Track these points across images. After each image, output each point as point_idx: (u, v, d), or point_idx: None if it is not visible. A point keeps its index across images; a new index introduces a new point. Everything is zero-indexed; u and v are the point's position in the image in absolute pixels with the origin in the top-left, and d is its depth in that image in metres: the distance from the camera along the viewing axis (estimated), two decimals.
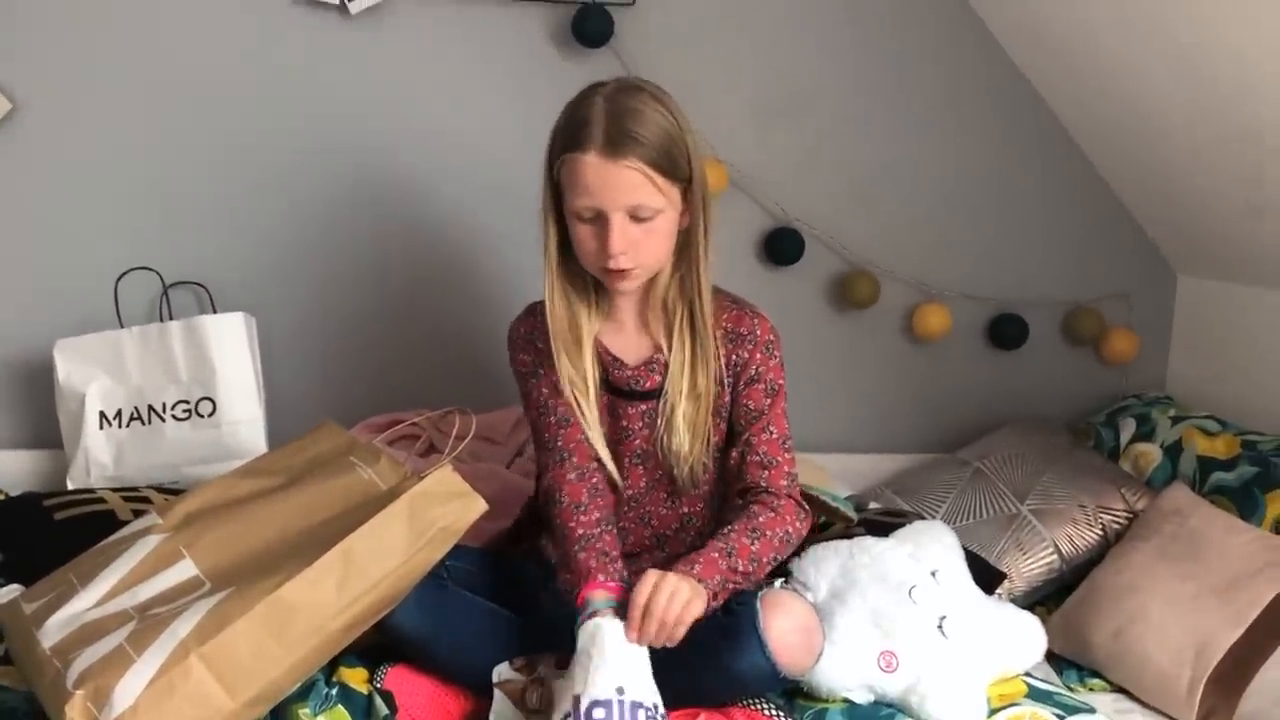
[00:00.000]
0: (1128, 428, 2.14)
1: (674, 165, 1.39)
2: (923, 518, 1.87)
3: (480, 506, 1.37)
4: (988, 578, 1.73)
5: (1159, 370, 2.42)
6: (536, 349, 1.52)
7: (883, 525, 1.78)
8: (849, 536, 1.72)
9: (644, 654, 1.30)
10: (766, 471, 1.49)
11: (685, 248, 1.47)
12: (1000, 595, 1.80)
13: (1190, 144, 2.02)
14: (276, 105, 2.04)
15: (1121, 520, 1.90)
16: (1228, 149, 1.93)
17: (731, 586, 1.38)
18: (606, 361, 1.52)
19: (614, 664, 1.27)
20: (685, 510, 1.55)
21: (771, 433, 1.50)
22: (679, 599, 1.29)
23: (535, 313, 1.54)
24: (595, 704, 1.24)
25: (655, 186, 1.38)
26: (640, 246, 1.40)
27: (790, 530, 1.48)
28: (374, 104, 2.06)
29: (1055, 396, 2.38)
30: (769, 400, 1.50)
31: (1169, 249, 2.38)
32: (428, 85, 2.08)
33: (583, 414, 1.50)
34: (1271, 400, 2.07)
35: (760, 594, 1.41)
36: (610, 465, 1.51)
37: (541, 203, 1.46)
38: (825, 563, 1.61)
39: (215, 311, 1.97)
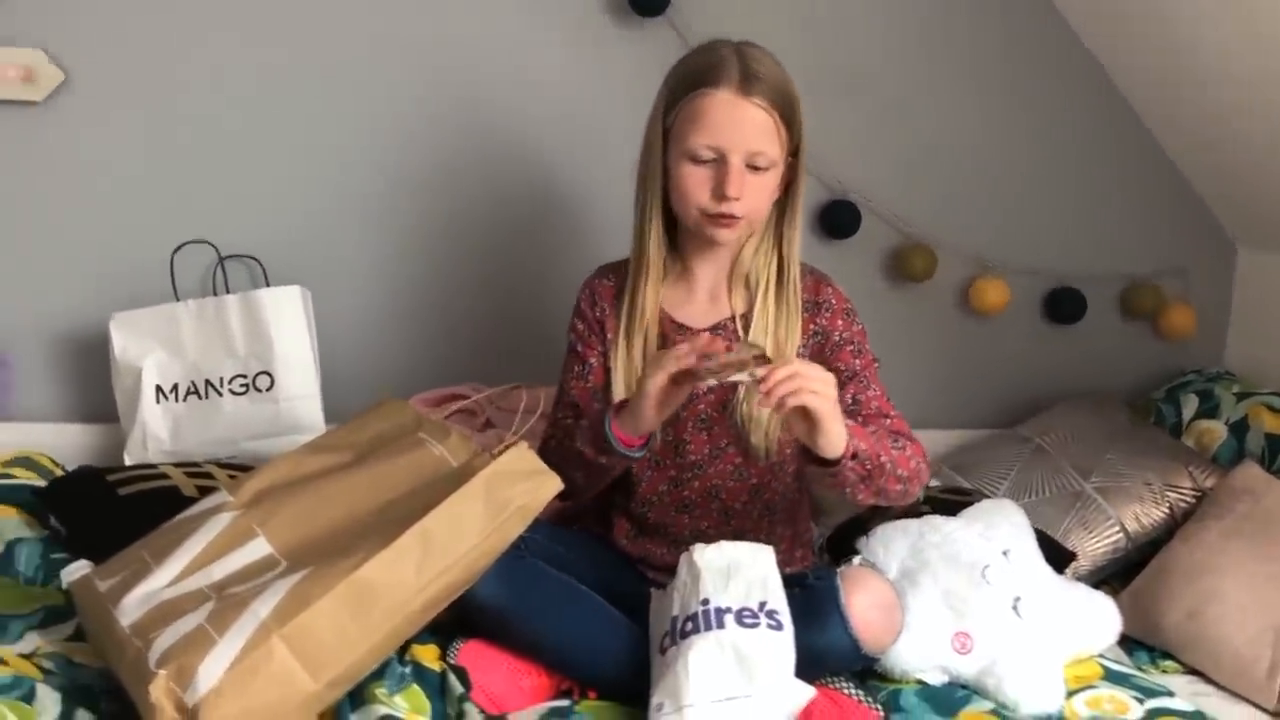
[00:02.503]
0: (1190, 404, 2.11)
1: (792, 122, 1.43)
2: (988, 496, 1.86)
3: (555, 485, 1.35)
4: (1057, 557, 1.71)
5: (1217, 345, 2.38)
6: (598, 318, 1.53)
7: (949, 504, 1.76)
8: (915, 515, 1.71)
9: (735, 557, 1.33)
10: (886, 419, 1.48)
11: (781, 215, 1.48)
12: (1067, 575, 1.77)
13: (1254, 112, 1.97)
14: (331, 76, 2.01)
15: (1189, 499, 1.88)
16: None
17: (866, 463, 1.35)
18: (669, 328, 1.50)
19: (704, 577, 1.31)
20: (755, 481, 1.53)
21: (874, 390, 1.50)
22: (825, 375, 1.28)
23: (608, 274, 1.56)
24: (687, 618, 1.28)
25: (776, 137, 1.41)
26: (751, 197, 1.42)
27: (921, 467, 1.46)
28: (427, 76, 2.03)
29: (1112, 372, 2.35)
30: (859, 361, 1.50)
31: (1229, 221, 2.33)
32: (481, 56, 2.05)
33: (628, 375, 1.50)
34: None
35: (840, 570, 1.39)
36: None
37: (644, 146, 1.47)
38: (894, 543, 1.59)
39: (269, 285, 1.95)
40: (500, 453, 1.35)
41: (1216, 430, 2.02)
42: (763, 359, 1.28)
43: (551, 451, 1.50)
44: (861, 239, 2.18)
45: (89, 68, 1.93)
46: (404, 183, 2.06)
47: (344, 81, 2.01)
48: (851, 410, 1.46)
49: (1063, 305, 2.27)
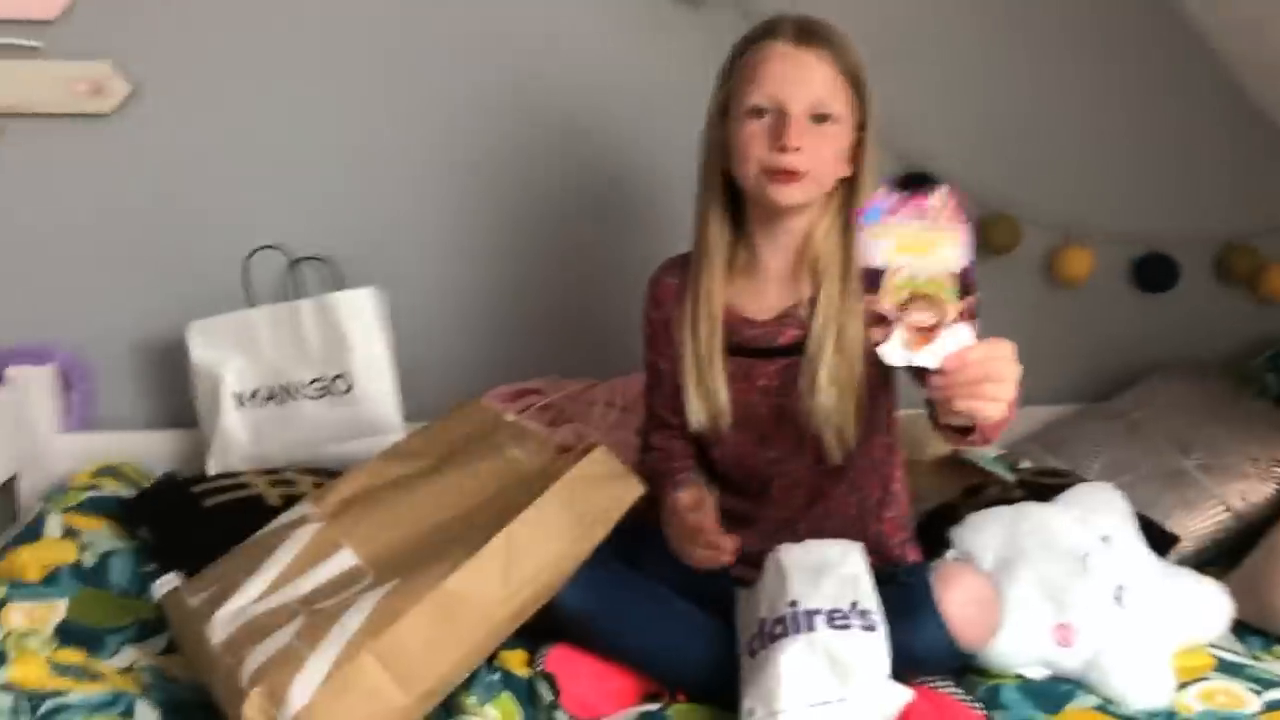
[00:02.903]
0: None
1: (858, 87, 1.40)
2: (1083, 478, 1.79)
3: (637, 490, 1.34)
4: (1159, 541, 1.65)
5: None
6: (665, 313, 1.52)
7: (1042, 487, 1.71)
8: (1007, 501, 1.65)
9: (824, 555, 1.31)
10: None
11: (850, 195, 1.43)
12: (1171, 559, 1.71)
13: None
14: (397, 74, 1.99)
15: None
16: None
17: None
18: (734, 323, 1.47)
19: (792, 577, 1.28)
20: (838, 476, 1.48)
21: None
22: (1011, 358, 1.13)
23: (671, 271, 1.54)
24: (775, 620, 1.25)
25: (838, 91, 1.37)
26: (814, 152, 1.37)
27: None
28: (492, 69, 2.01)
29: (1207, 340, 2.26)
30: None
31: None
32: (546, 48, 2.01)
33: (699, 373, 1.46)
34: None
35: (932, 567, 1.35)
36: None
37: (706, 125, 1.45)
38: (987, 531, 1.54)
39: (342, 286, 1.95)
40: (579, 455, 1.34)
41: None
42: (967, 315, 1.12)
43: (645, 469, 1.50)
44: None
45: (156, 78, 1.93)
46: (472, 178, 2.04)
47: (410, 79, 2.00)
48: None
49: (1153, 272, 2.18)
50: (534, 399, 2.00)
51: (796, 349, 1.43)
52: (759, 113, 1.37)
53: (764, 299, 1.47)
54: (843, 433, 1.42)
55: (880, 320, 1.12)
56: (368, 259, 2.01)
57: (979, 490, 1.76)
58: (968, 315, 1.11)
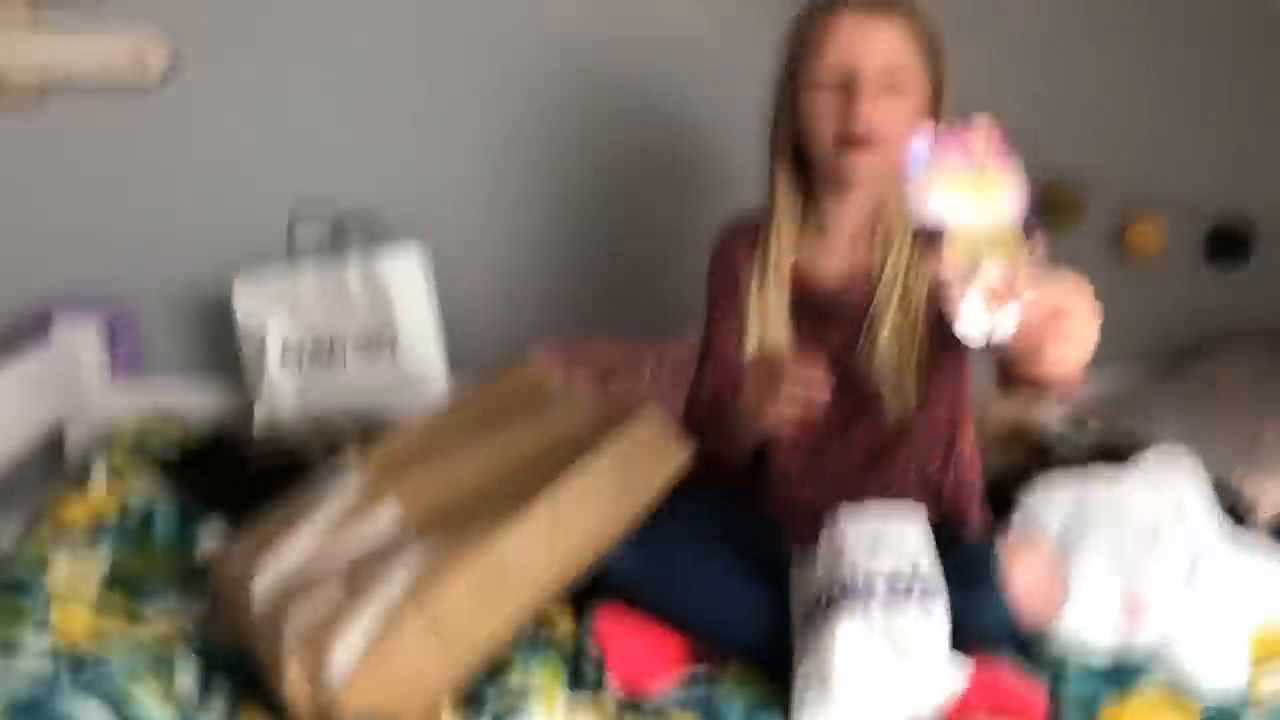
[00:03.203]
0: None
1: (933, 53, 1.35)
2: (1155, 440, 1.71)
3: (685, 457, 1.29)
4: (1236, 509, 1.57)
5: None
6: (733, 274, 1.46)
7: (1115, 450, 1.64)
8: (1079, 464, 1.59)
9: (884, 523, 1.25)
10: None
11: None
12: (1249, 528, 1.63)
13: None
14: (442, 26, 1.94)
15: None
16: None
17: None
18: (803, 287, 1.42)
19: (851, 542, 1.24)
20: (900, 466, 1.44)
21: None
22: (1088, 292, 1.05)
23: (736, 233, 1.48)
24: (832, 586, 1.21)
25: (912, 56, 1.32)
26: (887, 119, 1.31)
27: None
28: (542, 21, 1.95)
29: None
30: None
31: None
32: (588, 11, 1.97)
33: (765, 334, 1.42)
34: None
35: (997, 539, 1.30)
36: None
37: (774, 91, 1.40)
38: (1056, 498, 1.47)
39: (388, 238, 1.92)
40: (631, 417, 1.29)
41: None
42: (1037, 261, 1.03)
43: (698, 408, 1.45)
44: None
45: (199, 41, 1.92)
46: (524, 130, 2.00)
47: (459, 30, 1.96)
48: None
49: (1226, 244, 2.08)
50: (581, 355, 1.97)
51: (864, 312, 1.39)
52: (830, 82, 1.32)
53: (833, 263, 1.43)
54: (903, 391, 1.38)
55: (951, 289, 1.03)
56: (414, 212, 1.97)
57: (1048, 453, 1.69)
58: (1038, 261, 1.04)
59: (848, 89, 1.31)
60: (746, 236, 1.47)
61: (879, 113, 1.31)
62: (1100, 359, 1.97)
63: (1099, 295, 2.05)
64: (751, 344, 1.43)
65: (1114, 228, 2.08)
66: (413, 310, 1.83)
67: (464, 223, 2.01)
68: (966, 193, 1.03)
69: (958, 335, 1.02)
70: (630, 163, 2.02)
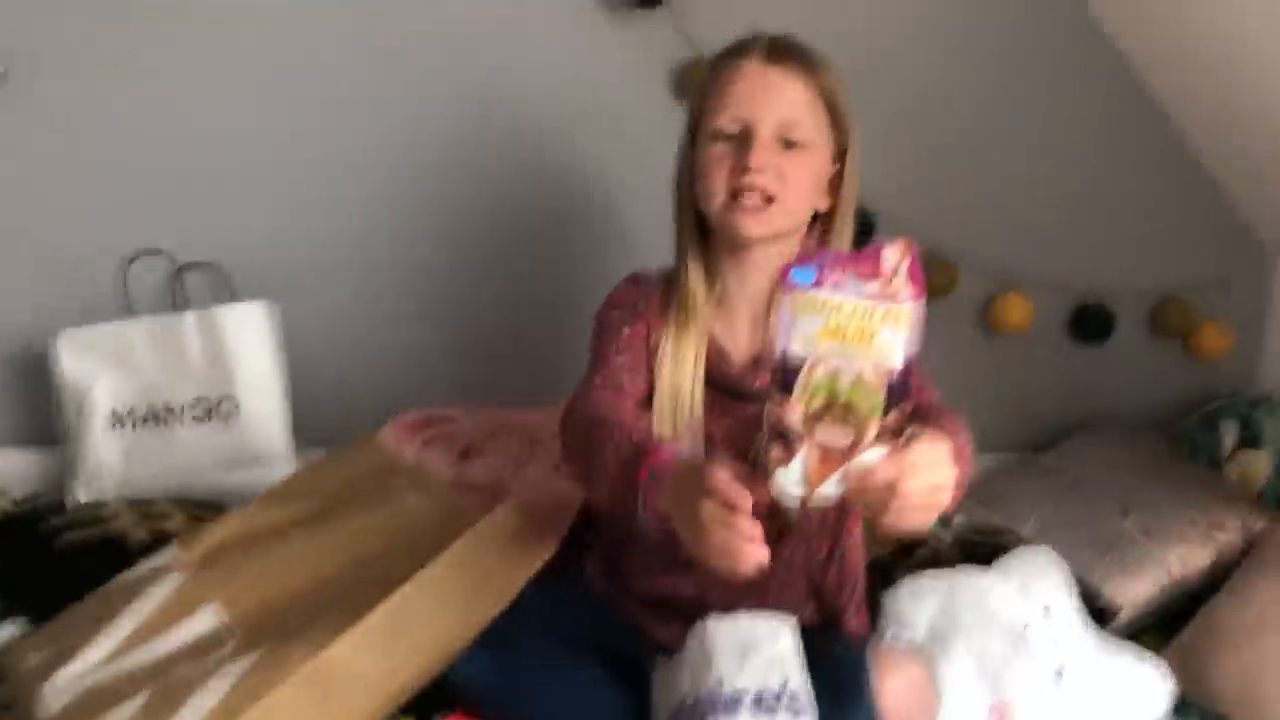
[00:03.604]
0: (1230, 432, 1.96)
1: (836, 111, 1.27)
2: (1020, 536, 1.70)
3: (548, 548, 1.20)
4: (1099, 610, 1.56)
5: (1250, 363, 2.23)
6: (642, 318, 1.32)
7: (980, 548, 1.62)
8: (943, 563, 1.56)
9: (753, 631, 1.16)
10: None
11: (827, 231, 1.31)
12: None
13: None
14: (300, 67, 1.83)
15: (1238, 543, 1.72)
16: None
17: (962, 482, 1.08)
18: (713, 358, 1.32)
19: (719, 653, 1.14)
20: (787, 554, 1.33)
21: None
22: (941, 469, 0.96)
23: (639, 282, 1.36)
24: (697, 700, 1.12)
25: (814, 114, 1.25)
26: (783, 176, 1.23)
27: (966, 432, 1.19)
28: (413, 68, 1.85)
29: (1141, 394, 2.19)
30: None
31: (1265, 228, 2.17)
32: (463, 53, 1.86)
33: (676, 404, 1.30)
34: None
35: (869, 649, 1.24)
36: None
37: (678, 149, 1.32)
38: (923, 599, 1.44)
39: (234, 297, 1.78)
40: (487, 507, 1.20)
41: (1261, 463, 1.87)
42: (889, 433, 0.91)
43: (575, 427, 1.23)
44: None
45: (33, 59, 1.75)
46: (385, 183, 1.88)
47: (320, 71, 1.83)
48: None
49: (1090, 322, 2.11)
50: (443, 428, 1.85)
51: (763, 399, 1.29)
52: (725, 136, 1.24)
53: (740, 339, 1.33)
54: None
55: (782, 436, 0.90)
56: (266, 267, 1.84)
57: (912, 549, 1.65)
58: (891, 434, 0.90)
59: (743, 143, 1.23)
60: (658, 288, 1.35)
61: (775, 170, 1.22)
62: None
63: (968, 371, 2.06)
64: (664, 410, 1.31)
65: (982, 303, 2.09)
66: (257, 375, 1.70)
67: (319, 282, 1.88)
68: (848, 326, 0.90)
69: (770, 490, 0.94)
70: (505, 220, 1.93)
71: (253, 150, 1.83)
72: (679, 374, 1.30)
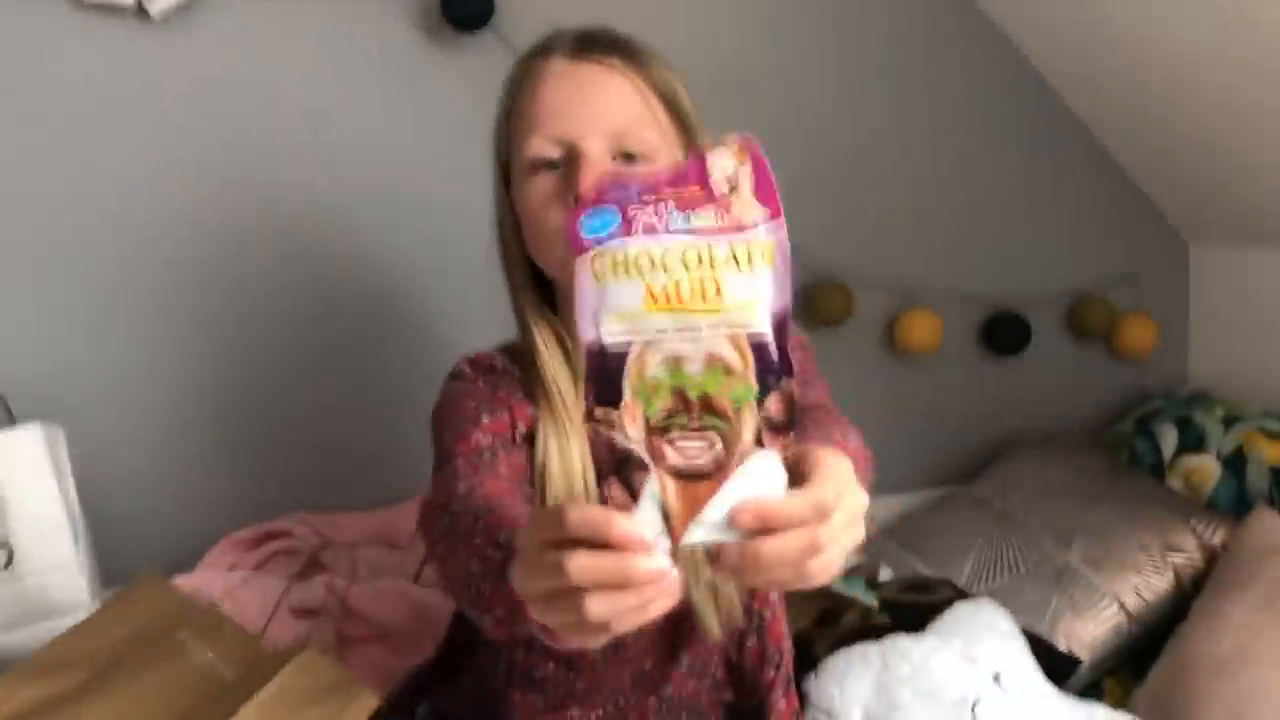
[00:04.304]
0: (1169, 437, 1.78)
1: (677, 107, 0.99)
2: (954, 586, 1.48)
3: (367, 703, 0.94)
4: (1057, 666, 1.35)
5: (1179, 359, 2.07)
6: (490, 391, 1.02)
7: (912, 609, 1.39)
8: (872, 632, 1.33)
9: None
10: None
11: None
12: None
13: (1192, 91, 1.67)
14: (71, 142, 1.56)
15: (1197, 561, 1.53)
16: (1268, 83, 1.58)
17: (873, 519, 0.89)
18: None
19: None
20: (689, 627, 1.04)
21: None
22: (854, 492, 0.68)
23: (487, 369, 1.05)
24: None
25: (647, 112, 0.97)
26: None
27: (862, 441, 0.97)
28: (199, 134, 1.60)
29: (1068, 403, 2.02)
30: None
31: (1178, 217, 2.02)
32: (265, 103, 1.61)
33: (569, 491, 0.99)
34: None
35: None
36: None
37: (495, 193, 1.04)
38: (852, 678, 1.21)
39: (12, 421, 1.50)
40: (285, 659, 0.94)
41: (1208, 467, 1.68)
42: (781, 428, 0.62)
43: (434, 528, 0.89)
44: None
45: None
46: (181, 278, 1.61)
47: (97, 150, 1.56)
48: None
49: (1003, 333, 1.92)
50: (279, 544, 1.59)
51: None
52: (546, 163, 0.97)
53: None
54: (731, 612, 1.02)
55: (618, 467, 0.62)
56: (45, 386, 1.56)
57: (834, 617, 1.42)
58: (775, 428, 0.62)
59: (570, 165, 0.96)
60: (511, 373, 1.04)
61: None
62: (882, 474, 1.73)
63: (877, 398, 1.85)
64: (554, 488, 0.98)
65: (884, 323, 1.90)
66: (36, 510, 1.41)
67: (112, 395, 1.59)
68: (673, 295, 0.61)
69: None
70: (315, 304, 1.66)
71: (26, 255, 1.56)
72: (568, 483, 0.99)
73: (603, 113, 0.96)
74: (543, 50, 0.99)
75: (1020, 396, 1.99)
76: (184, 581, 1.45)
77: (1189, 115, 1.76)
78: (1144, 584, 1.51)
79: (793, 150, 1.84)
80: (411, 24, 1.65)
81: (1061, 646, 1.44)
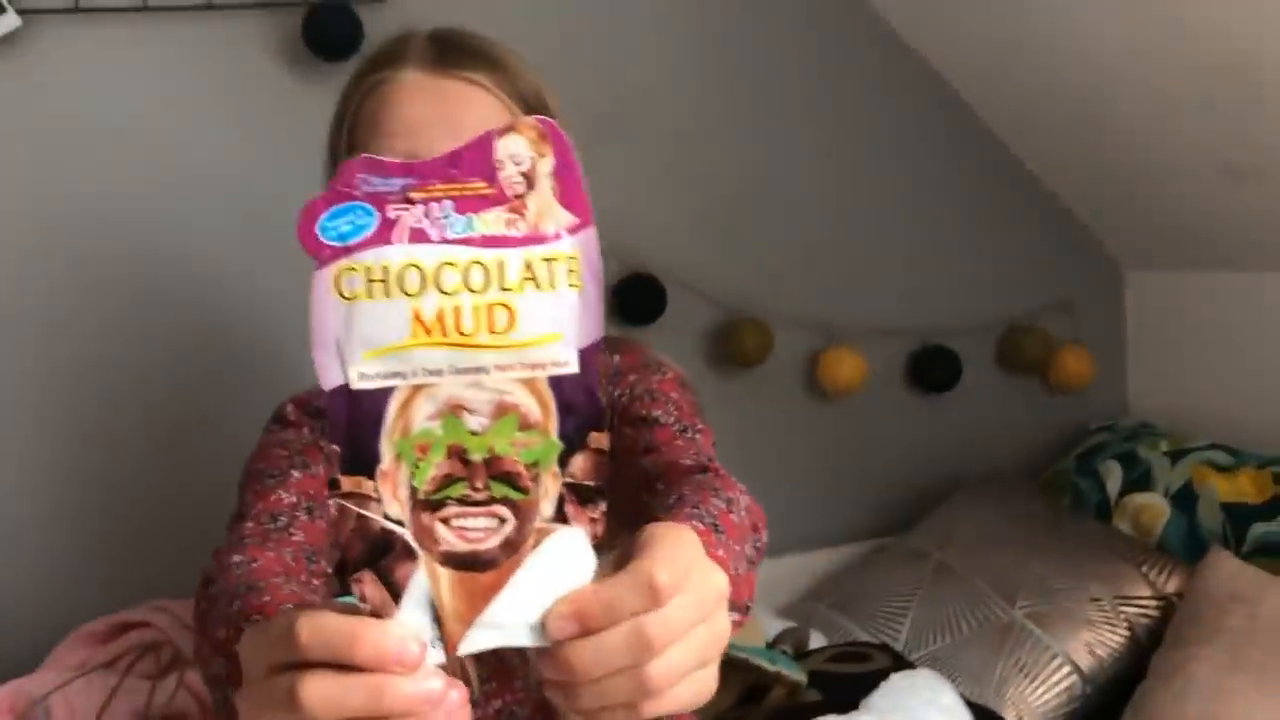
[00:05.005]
0: (1112, 474, 1.65)
1: (544, 110, 0.87)
2: (892, 652, 1.33)
3: None
4: None
5: (1117, 389, 1.97)
6: (309, 438, 0.89)
7: (845, 682, 1.24)
8: (801, 713, 1.17)
9: None
10: (704, 473, 0.84)
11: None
12: None
13: (1143, 105, 1.58)
14: None
15: (1152, 612, 1.40)
16: (1198, 103, 1.49)
17: (745, 580, 0.70)
18: None
19: None
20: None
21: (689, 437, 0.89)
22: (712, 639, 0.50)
23: (313, 411, 0.92)
24: None
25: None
26: None
27: (747, 501, 0.80)
28: (31, 176, 1.42)
29: (1004, 441, 1.91)
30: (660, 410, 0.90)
31: (1113, 242, 1.93)
32: (107, 142, 1.44)
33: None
34: (1258, 405, 1.64)
35: None
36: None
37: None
38: None
39: None
40: None
41: (1156, 506, 1.56)
42: (589, 497, 0.48)
43: (201, 601, 0.72)
44: (671, 321, 1.66)
45: None
46: (16, 329, 1.43)
47: None
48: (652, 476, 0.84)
49: (932, 368, 1.80)
50: (137, 636, 1.40)
51: None
52: None
53: None
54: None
55: (372, 557, 0.46)
56: None
57: (758, 696, 1.27)
58: (583, 498, 0.47)
59: None
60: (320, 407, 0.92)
61: None
62: (808, 529, 1.57)
63: (799, 444, 1.71)
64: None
65: (805, 363, 1.76)
66: None
67: None
68: (449, 323, 0.46)
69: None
70: (168, 365, 1.48)
71: None
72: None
73: (465, 132, 0.81)
74: (394, 58, 0.86)
75: (953, 436, 1.87)
76: (21, 685, 1.27)
77: (1117, 134, 1.66)
78: (1096, 640, 1.38)
79: (702, 182, 1.72)
80: (273, 52, 1.49)
81: (1010, 717, 1.30)
